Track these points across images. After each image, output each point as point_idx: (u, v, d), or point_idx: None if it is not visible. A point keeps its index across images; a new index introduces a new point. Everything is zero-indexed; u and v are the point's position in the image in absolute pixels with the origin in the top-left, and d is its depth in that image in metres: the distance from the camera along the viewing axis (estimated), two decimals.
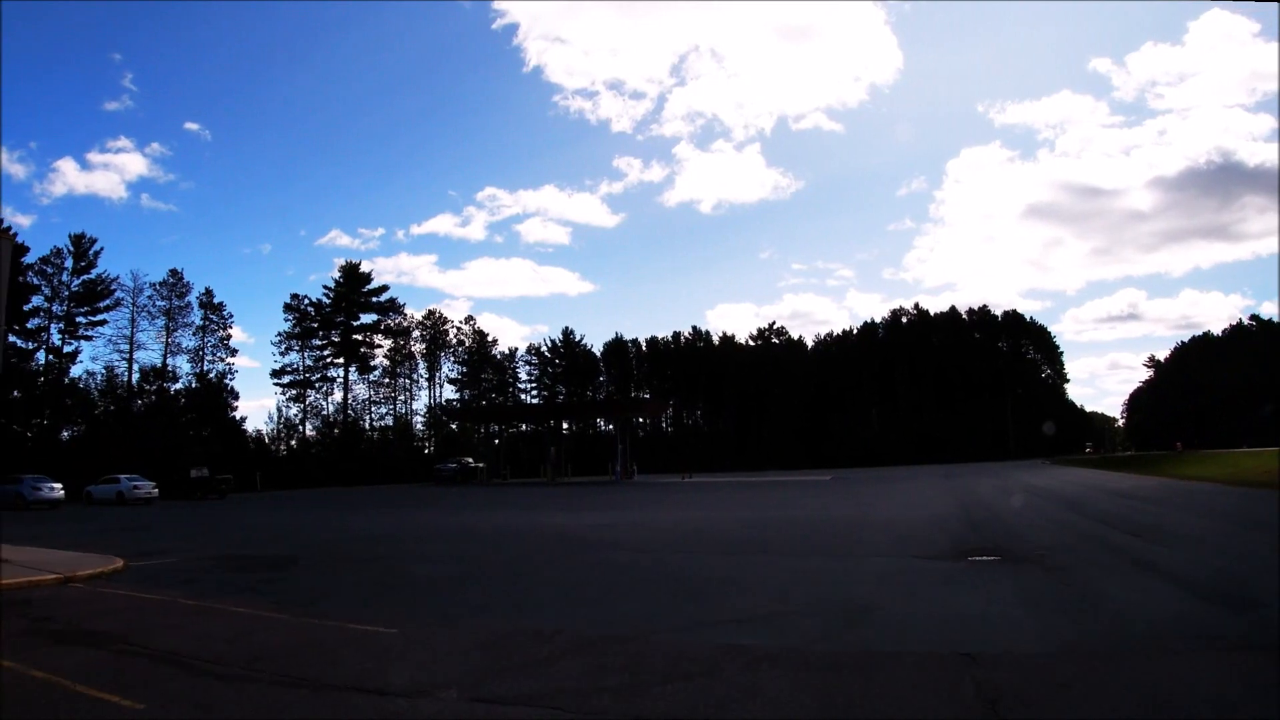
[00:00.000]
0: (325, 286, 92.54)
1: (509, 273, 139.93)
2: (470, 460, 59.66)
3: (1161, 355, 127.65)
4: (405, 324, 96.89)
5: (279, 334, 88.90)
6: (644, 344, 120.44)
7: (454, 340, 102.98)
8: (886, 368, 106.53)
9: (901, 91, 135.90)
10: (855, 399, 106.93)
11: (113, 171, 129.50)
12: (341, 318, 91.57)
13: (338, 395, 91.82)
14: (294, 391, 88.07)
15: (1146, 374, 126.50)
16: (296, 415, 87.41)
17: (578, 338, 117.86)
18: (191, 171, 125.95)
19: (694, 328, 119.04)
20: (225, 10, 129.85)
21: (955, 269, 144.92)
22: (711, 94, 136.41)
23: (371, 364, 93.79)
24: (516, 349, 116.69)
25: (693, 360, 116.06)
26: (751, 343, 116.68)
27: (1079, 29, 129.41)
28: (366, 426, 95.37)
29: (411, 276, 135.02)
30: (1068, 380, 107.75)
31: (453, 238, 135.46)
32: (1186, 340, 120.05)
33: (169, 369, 74.02)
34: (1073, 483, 33.94)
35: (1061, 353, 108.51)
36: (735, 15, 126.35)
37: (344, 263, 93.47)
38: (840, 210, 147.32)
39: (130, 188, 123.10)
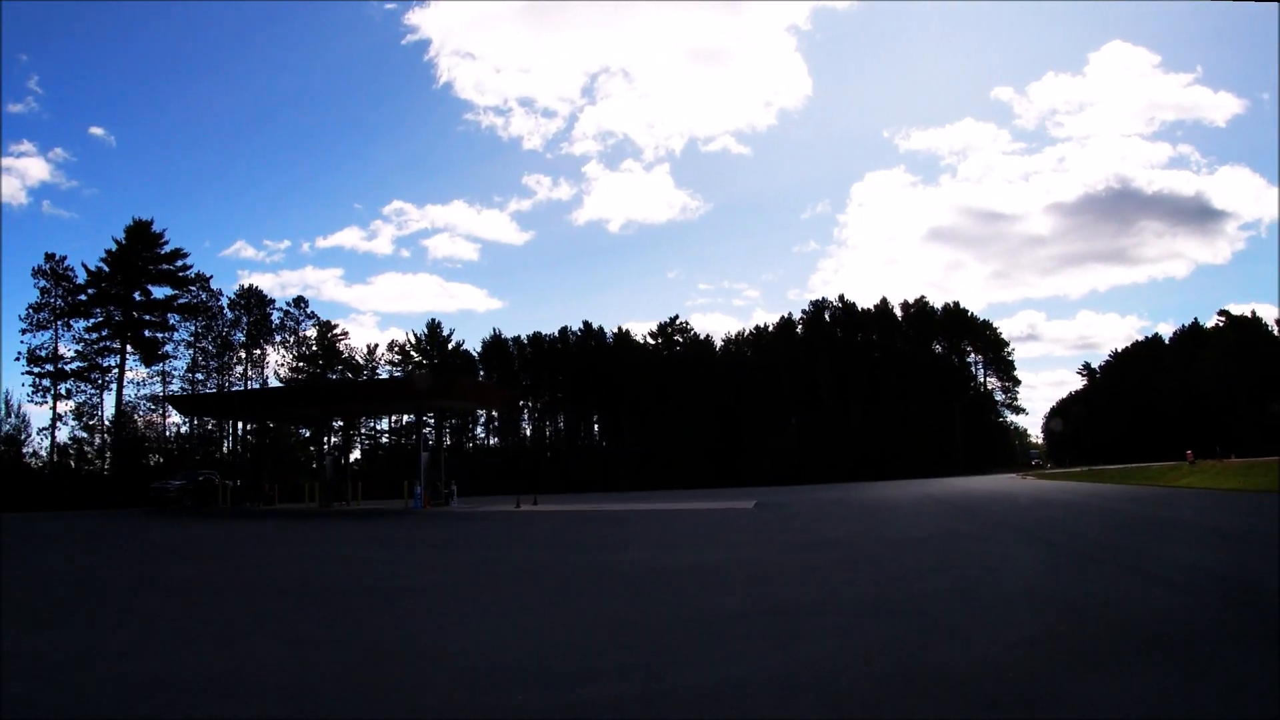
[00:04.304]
0: (106, 250, 71.33)
1: (416, 288, 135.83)
2: (214, 475, 40.88)
3: (1078, 368, 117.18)
4: (211, 302, 76.29)
5: (28, 307, 67.28)
6: (527, 342, 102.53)
7: (280, 325, 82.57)
8: (808, 370, 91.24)
9: (809, 117, 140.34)
10: (773, 406, 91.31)
11: (13, 176, 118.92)
12: (119, 289, 70.49)
13: (129, 391, 71.27)
14: (48, 384, 66.61)
15: (1052, 391, 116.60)
16: (49, 414, 66.28)
17: (446, 332, 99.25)
18: (95, 179, 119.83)
19: (585, 323, 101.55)
20: (133, 15, 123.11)
21: (859, 290, 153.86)
22: (622, 114, 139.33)
23: (162, 351, 72.96)
24: (376, 345, 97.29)
25: (584, 360, 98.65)
26: (650, 340, 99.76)
27: (983, 59, 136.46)
28: (163, 430, 74.74)
29: (317, 290, 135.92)
30: (1019, 383, 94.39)
31: (359, 251, 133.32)
32: (1130, 345, 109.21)
33: None
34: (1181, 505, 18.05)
35: (1011, 350, 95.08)
36: (647, 37, 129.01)
37: (132, 221, 72.38)
38: (747, 232, 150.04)
39: (31, 193, 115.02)
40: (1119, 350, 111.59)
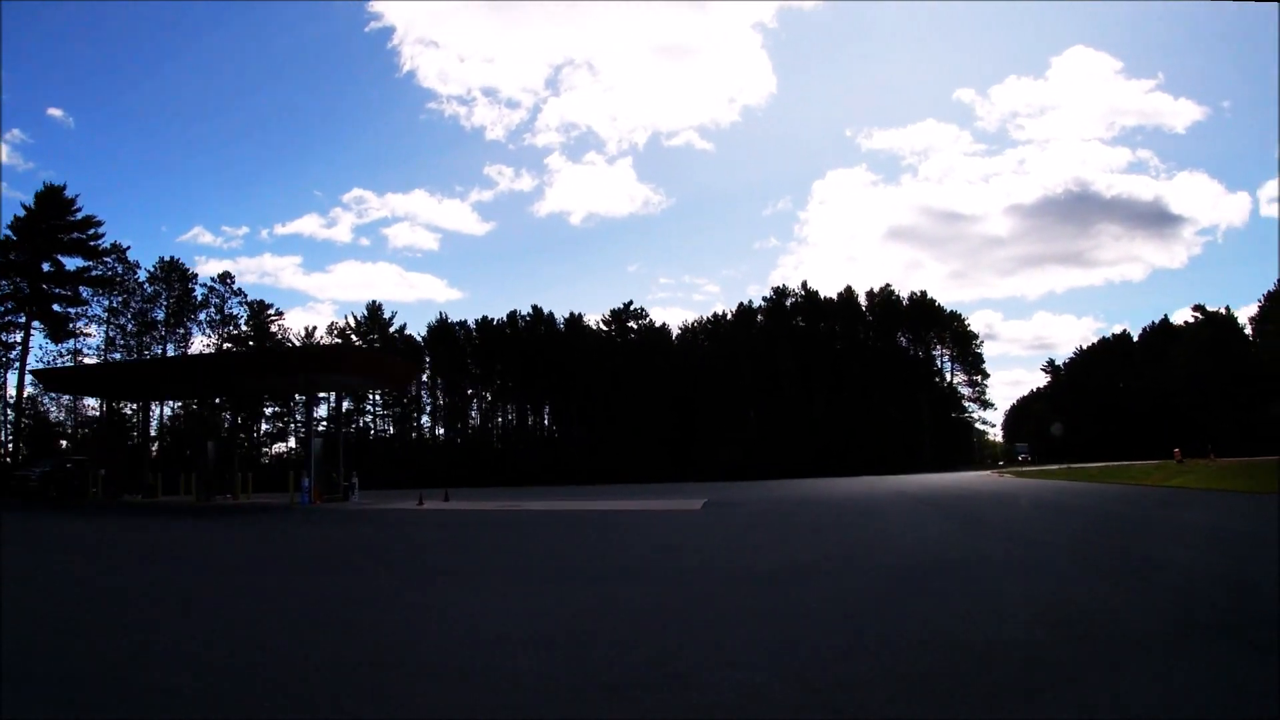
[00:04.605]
0: (14, 216, 64.93)
1: (375, 277, 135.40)
2: (85, 459, 35.55)
3: (1039, 365, 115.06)
4: (127, 275, 70.29)
5: None
6: (475, 327, 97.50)
7: (203, 301, 76.80)
8: (768, 360, 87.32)
9: (773, 114, 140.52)
10: (732, 397, 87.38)
11: None
12: (26, 259, 64.11)
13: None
14: None
15: (1009, 390, 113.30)
16: None
17: (388, 315, 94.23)
18: (52, 160, 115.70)
19: (535, 307, 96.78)
20: None
21: (819, 287, 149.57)
22: (586, 106, 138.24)
23: (73, 327, 66.83)
24: (314, 327, 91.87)
25: (533, 346, 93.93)
26: (604, 327, 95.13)
27: (945, 61, 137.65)
28: (77, 412, 68.79)
29: (275, 278, 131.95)
30: (987, 376, 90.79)
31: (318, 239, 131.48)
32: (1096, 342, 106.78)
33: None
34: None
35: (980, 342, 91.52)
36: (612, 30, 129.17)
37: (43, 186, 65.97)
38: (708, 227, 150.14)
39: None
40: (1084, 347, 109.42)
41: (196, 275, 77.16)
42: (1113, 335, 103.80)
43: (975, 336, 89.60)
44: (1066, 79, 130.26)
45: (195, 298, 75.74)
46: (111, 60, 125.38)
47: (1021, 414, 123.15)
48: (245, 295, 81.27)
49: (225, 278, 79.23)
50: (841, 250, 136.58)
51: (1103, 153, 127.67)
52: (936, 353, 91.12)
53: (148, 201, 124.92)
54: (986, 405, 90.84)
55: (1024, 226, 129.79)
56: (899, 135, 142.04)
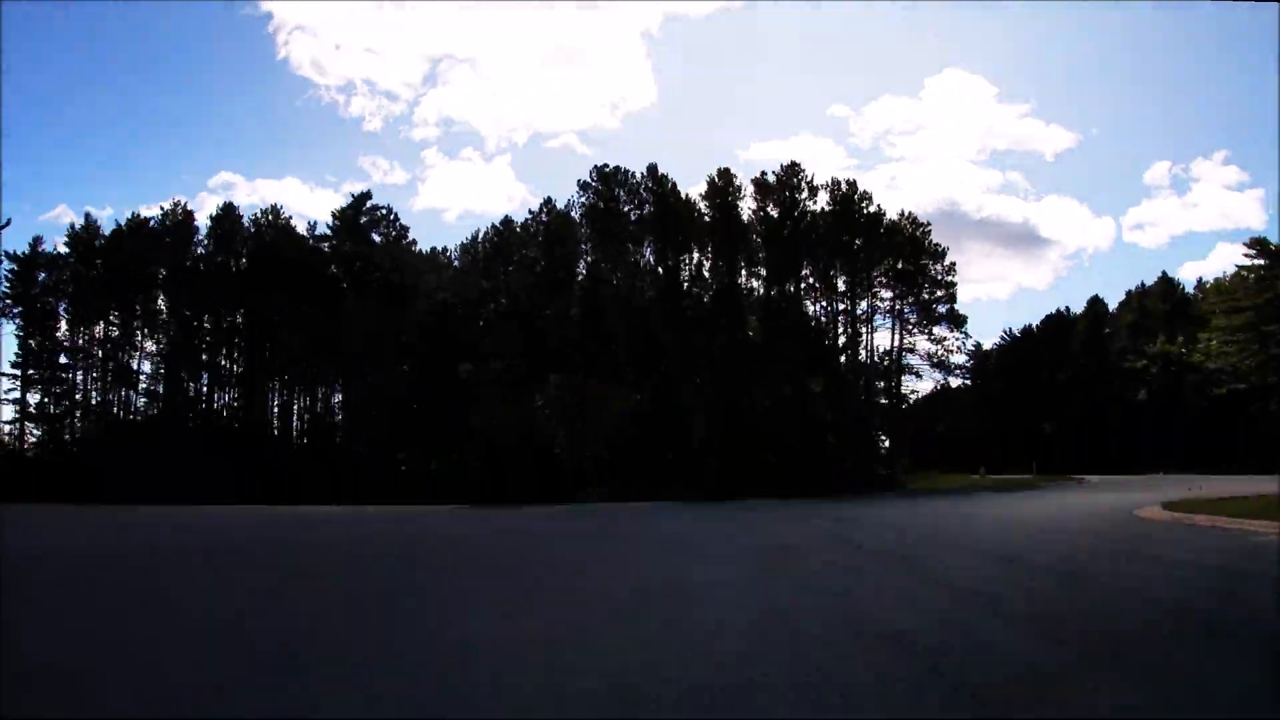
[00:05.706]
0: None
1: None
2: None
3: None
4: None
5: None
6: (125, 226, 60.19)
7: None
8: (593, 306, 52.09)
9: (654, 123, 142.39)
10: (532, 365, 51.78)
11: None
12: None
13: None
14: None
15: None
16: None
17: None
18: None
19: (227, 204, 60.50)
20: None
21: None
22: (466, 102, 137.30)
23: None
24: None
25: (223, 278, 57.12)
26: (325, 235, 57.66)
27: (823, 77, 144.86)
28: None
29: None
30: (964, 323, 53.93)
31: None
32: (1044, 320, 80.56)
33: None
34: None
35: (951, 267, 55.50)
36: (496, 29, 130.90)
37: None
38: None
39: None
40: (1030, 326, 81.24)
41: None
42: (1057, 311, 78.68)
43: (942, 255, 52.59)
44: (940, 100, 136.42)
45: None
46: None
47: (925, 414, 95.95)
48: None
49: None
50: None
51: (974, 173, 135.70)
52: (864, 296, 54.78)
53: (7, 177, 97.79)
54: (950, 370, 55.51)
55: None
56: (775, 148, 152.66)
